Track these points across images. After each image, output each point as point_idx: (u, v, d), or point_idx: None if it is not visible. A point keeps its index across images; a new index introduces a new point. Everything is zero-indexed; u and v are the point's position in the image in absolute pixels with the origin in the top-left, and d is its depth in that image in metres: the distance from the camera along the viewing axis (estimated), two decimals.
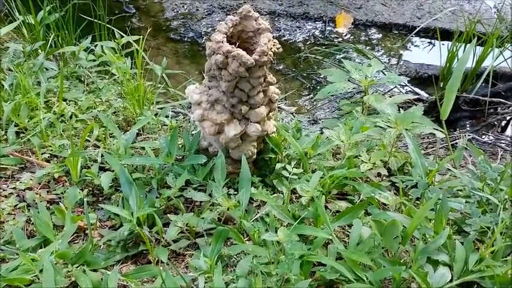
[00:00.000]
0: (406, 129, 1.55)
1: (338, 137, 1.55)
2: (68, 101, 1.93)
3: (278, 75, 3.63)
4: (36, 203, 1.31)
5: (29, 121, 1.69)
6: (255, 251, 1.16)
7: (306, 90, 3.54)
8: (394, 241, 1.17)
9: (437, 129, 1.71)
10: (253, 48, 1.36)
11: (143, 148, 1.55)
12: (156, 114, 1.89)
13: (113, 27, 2.77)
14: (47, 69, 2.08)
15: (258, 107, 1.37)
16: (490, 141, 2.84)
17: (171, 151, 1.42)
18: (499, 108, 3.35)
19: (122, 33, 2.70)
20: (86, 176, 1.38)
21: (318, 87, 3.60)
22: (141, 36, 2.47)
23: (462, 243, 1.19)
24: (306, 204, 1.30)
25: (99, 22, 2.78)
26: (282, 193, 1.42)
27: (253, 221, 1.31)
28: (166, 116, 1.81)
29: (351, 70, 2.06)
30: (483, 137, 3.00)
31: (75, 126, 1.73)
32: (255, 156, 1.47)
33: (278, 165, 1.49)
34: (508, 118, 3.39)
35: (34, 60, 2.12)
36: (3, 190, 1.36)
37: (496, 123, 3.45)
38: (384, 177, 1.55)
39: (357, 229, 1.21)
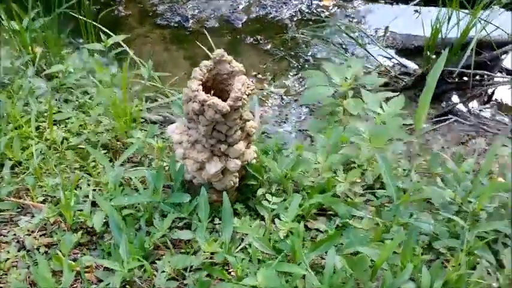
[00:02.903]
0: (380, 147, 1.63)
1: (315, 159, 1.63)
2: (58, 123, 2.00)
3: (266, 56, 3.67)
4: (35, 248, 1.41)
5: (22, 153, 1.77)
6: None
7: (294, 69, 3.58)
8: (364, 273, 1.28)
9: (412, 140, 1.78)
10: (229, 89, 1.42)
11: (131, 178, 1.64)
12: (144, 130, 1.98)
13: (99, 25, 2.79)
14: (34, 88, 2.14)
15: (236, 143, 1.44)
16: (472, 123, 2.91)
17: (157, 187, 1.50)
18: (484, 79, 3.39)
19: (109, 32, 2.73)
20: (79, 217, 1.47)
21: (306, 65, 3.64)
22: (128, 35, 2.51)
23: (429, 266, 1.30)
24: (284, 237, 1.40)
25: (86, 20, 2.81)
26: (264, 219, 1.52)
27: (237, 251, 1.42)
28: (154, 136, 1.88)
29: (331, 73, 2.11)
30: (467, 118, 3.05)
31: (66, 156, 1.81)
32: (237, 185, 1.55)
33: (259, 191, 1.58)
34: (492, 89, 3.45)
35: (23, 79, 2.18)
36: (4, 236, 1.46)
37: (482, 92, 3.52)
38: (359, 195, 1.64)
39: (331, 261, 1.31)
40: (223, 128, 1.38)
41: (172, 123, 2.30)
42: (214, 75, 1.42)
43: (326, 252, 1.32)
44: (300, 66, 3.60)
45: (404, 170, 1.79)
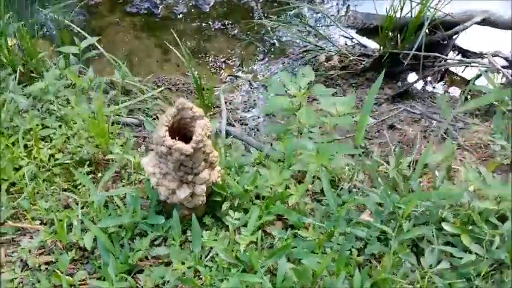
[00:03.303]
0: (324, 165, 1.91)
1: (270, 175, 1.92)
2: (43, 139, 2.24)
3: (233, 40, 3.85)
4: (37, 267, 1.70)
5: (15, 173, 2.02)
6: None
7: (261, 54, 3.78)
8: (307, 280, 1.60)
9: (352, 154, 2.06)
10: (192, 129, 1.68)
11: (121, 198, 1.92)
12: (121, 142, 2.24)
13: (70, 23, 2.96)
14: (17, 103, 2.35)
15: (201, 172, 1.71)
16: (420, 112, 3.19)
17: (136, 209, 1.78)
18: (436, 60, 3.65)
19: (82, 32, 2.90)
20: (72, 237, 1.75)
21: (272, 49, 3.85)
22: (99, 37, 2.71)
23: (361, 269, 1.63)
24: (244, 250, 1.70)
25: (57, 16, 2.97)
26: (229, 230, 1.82)
27: (207, 260, 1.73)
28: (132, 149, 2.13)
29: (287, 83, 2.35)
30: (414, 106, 3.32)
31: (54, 174, 2.06)
32: (205, 201, 1.83)
33: (224, 206, 1.86)
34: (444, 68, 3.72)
35: (5, 93, 2.39)
36: (10, 256, 1.74)
37: (435, 72, 3.79)
38: (308, 204, 1.94)
39: (282, 269, 1.62)
40: (189, 163, 1.65)
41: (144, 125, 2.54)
42: (179, 120, 1.66)
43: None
44: (266, 51, 3.80)
45: (348, 179, 2.08)
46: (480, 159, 2.41)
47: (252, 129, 3.26)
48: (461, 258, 1.72)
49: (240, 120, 3.33)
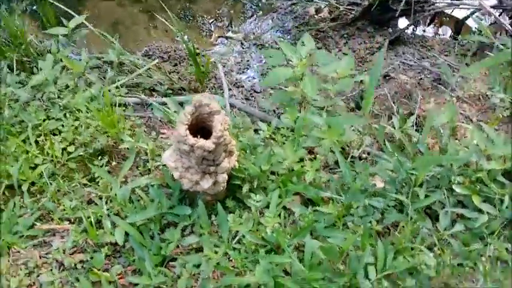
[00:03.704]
0: (337, 141, 1.97)
1: (285, 153, 1.97)
2: (53, 133, 2.24)
3: (220, 0, 3.77)
4: (73, 267, 1.76)
5: (32, 172, 2.04)
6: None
7: (249, 11, 3.72)
8: (334, 256, 1.69)
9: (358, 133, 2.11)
10: (209, 123, 1.70)
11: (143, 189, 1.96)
12: (133, 130, 2.26)
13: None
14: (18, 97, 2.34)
15: (222, 162, 1.76)
16: (415, 62, 3.21)
17: (161, 201, 1.84)
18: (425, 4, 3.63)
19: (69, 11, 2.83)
20: (103, 235, 1.81)
21: (260, 4, 3.78)
22: (86, 15, 2.66)
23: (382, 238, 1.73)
24: (271, 231, 1.78)
25: None
26: (251, 211, 1.89)
27: (235, 243, 1.81)
28: (141, 140, 2.16)
29: (287, 53, 2.36)
30: (410, 59, 3.34)
31: (71, 169, 2.09)
32: (226, 186, 1.89)
33: (244, 188, 1.93)
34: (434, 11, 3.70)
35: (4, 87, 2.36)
36: (45, 258, 1.80)
37: (426, 17, 3.78)
38: (322, 176, 2.01)
39: (309, 247, 1.71)
40: (210, 156, 1.69)
41: (147, 103, 2.55)
42: (197, 116, 1.68)
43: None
44: (254, 8, 3.73)
45: (358, 146, 2.15)
46: (480, 111, 2.49)
47: (251, 93, 3.26)
48: (474, 219, 1.84)
49: (236, 83, 3.32)
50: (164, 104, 2.58)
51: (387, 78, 3.32)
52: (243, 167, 1.94)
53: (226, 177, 1.80)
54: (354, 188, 1.87)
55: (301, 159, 2.02)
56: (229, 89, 3.17)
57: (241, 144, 2.05)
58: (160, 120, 2.48)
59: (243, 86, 3.31)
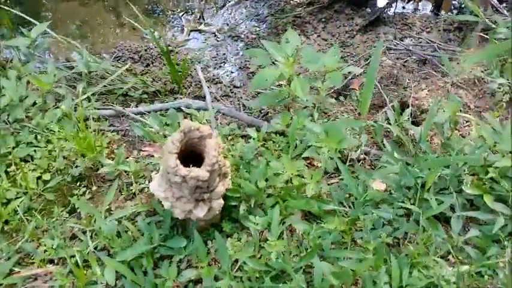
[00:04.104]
0: (337, 149, 1.82)
1: (282, 166, 1.82)
2: (24, 160, 2.04)
3: None
4: None
5: (5, 208, 1.84)
6: None
7: (220, 1, 3.51)
8: (348, 281, 1.56)
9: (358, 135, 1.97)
10: (200, 147, 1.53)
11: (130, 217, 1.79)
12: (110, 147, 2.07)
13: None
14: None
15: (216, 188, 1.60)
16: (397, 43, 3.07)
17: (152, 234, 1.67)
18: None
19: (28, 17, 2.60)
20: (91, 275, 1.64)
21: None
22: (49, 22, 2.44)
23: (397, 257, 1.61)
24: (276, 256, 1.64)
25: None
26: (251, 233, 1.74)
27: (236, 271, 1.66)
28: (122, 162, 1.97)
29: (272, 52, 2.18)
30: (397, 44, 3.20)
31: (48, 200, 1.90)
32: (221, 209, 1.73)
33: (241, 209, 1.77)
34: None
35: None
36: None
37: None
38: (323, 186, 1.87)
39: (318, 271, 1.58)
40: (204, 184, 1.53)
41: (120, 114, 2.36)
42: (186, 142, 1.51)
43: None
44: None
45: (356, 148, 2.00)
46: (477, 97, 2.37)
47: (231, 89, 3.08)
48: (488, 222, 1.73)
49: (214, 79, 3.14)
50: (141, 114, 2.39)
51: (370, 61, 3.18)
52: (238, 185, 1.78)
53: (222, 202, 1.64)
54: (359, 201, 1.74)
55: (301, 174, 1.87)
56: (208, 87, 2.99)
57: (233, 160, 1.88)
58: (138, 136, 2.29)
59: (221, 82, 3.13)
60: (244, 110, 2.68)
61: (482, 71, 2.41)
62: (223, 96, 2.98)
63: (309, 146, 2.00)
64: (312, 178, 1.83)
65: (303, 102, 2.19)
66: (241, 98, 2.96)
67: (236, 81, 3.14)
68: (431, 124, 1.98)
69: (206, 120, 2.32)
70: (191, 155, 1.57)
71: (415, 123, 2.38)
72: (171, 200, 1.59)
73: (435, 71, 2.71)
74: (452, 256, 1.68)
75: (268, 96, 2.30)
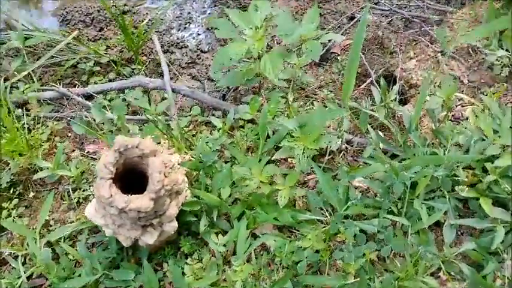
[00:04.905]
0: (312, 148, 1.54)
1: (249, 172, 1.54)
2: None
3: None
4: None
5: None
6: None
7: None
8: None
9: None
10: (143, 166, 1.24)
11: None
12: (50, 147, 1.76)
13: None
14: None
15: (168, 209, 1.32)
16: (388, 9, 2.73)
17: (93, 263, 1.41)
18: None
19: None
20: None
21: None
22: None
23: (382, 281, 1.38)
24: (242, 286, 1.40)
25: None
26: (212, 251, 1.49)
27: None
28: (61, 167, 1.67)
29: (238, 22, 1.85)
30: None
31: None
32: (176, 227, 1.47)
33: (202, 225, 1.51)
34: None
35: None
36: None
37: None
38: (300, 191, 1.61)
39: None
40: (150, 212, 1.25)
41: (64, 98, 2.03)
42: (124, 161, 1.21)
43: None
44: None
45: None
46: (470, 69, 2.08)
47: (198, 55, 2.73)
48: (485, 232, 1.50)
49: (178, 43, 2.78)
50: (88, 96, 2.07)
51: (353, 20, 2.84)
52: (197, 196, 1.50)
53: (176, 225, 1.37)
54: (339, 213, 1.48)
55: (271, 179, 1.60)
56: (172, 52, 2.65)
57: (192, 164, 1.58)
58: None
59: (186, 47, 2.77)
60: (210, 81, 2.37)
61: (477, 40, 2.11)
62: (188, 63, 2.65)
63: (283, 138, 1.72)
64: (284, 185, 1.56)
65: (276, 83, 1.88)
66: (209, 65, 2.63)
67: (203, 44, 2.79)
68: (422, 109, 1.70)
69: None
70: (131, 172, 1.28)
71: (403, 101, 2.10)
72: (112, 227, 1.31)
73: (424, 35, 2.40)
74: (443, 273, 1.45)
75: (235, 74, 1.97)
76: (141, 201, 1.15)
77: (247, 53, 1.80)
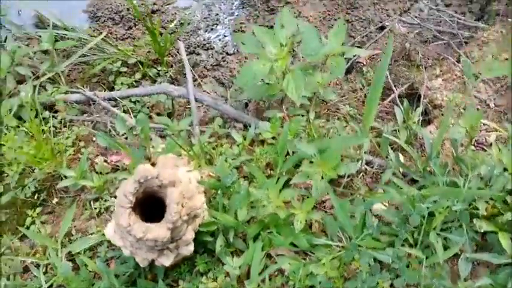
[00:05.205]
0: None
1: (266, 196, 1.55)
2: None
3: None
4: None
5: None
6: None
7: None
8: None
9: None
10: (162, 194, 1.27)
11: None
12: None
13: None
14: None
15: (185, 234, 1.35)
16: (417, 23, 2.68)
17: (111, 279, 1.45)
18: None
19: None
20: None
21: None
22: None
23: None
24: None
25: None
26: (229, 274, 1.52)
27: None
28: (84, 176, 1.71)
29: (263, 40, 1.84)
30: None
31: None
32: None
33: (218, 245, 1.53)
34: None
35: None
36: None
37: None
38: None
39: None
40: (166, 239, 1.28)
41: (91, 101, 2.07)
42: (143, 190, 1.24)
43: None
44: None
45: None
46: (498, 92, 2.04)
47: (223, 57, 2.74)
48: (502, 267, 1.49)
49: (204, 44, 2.79)
50: (114, 101, 2.11)
51: (382, 30, 2.80)
52: (214, 217, 1.52)
53: (192, 248, 1.39)
54: (355, 243, 1.49)
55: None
56: (198, 54, 2.67)
57: (211, 183, 1.60)
58: (109, 130, 2.01)
59: (213, 48, 2.80)
60: (232, 88, 2.39)
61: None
62: (213, 65, 2.67)
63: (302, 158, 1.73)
64: (301, 209, 1.57)
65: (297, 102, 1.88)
66: (233, 68, 2.64)
67: (229, 46, 2.81)
68: (442, 139, 1.69)
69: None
70: (151, 197, 1.31)
71: (427, 121, 2.08)
72: (130, 249, 1.35)
73: (452, 53, 2.36)
74: None
75: (258, 88, 1.98)
76: (158, 231, 1.18)
77: (270, 72, 1.81)
